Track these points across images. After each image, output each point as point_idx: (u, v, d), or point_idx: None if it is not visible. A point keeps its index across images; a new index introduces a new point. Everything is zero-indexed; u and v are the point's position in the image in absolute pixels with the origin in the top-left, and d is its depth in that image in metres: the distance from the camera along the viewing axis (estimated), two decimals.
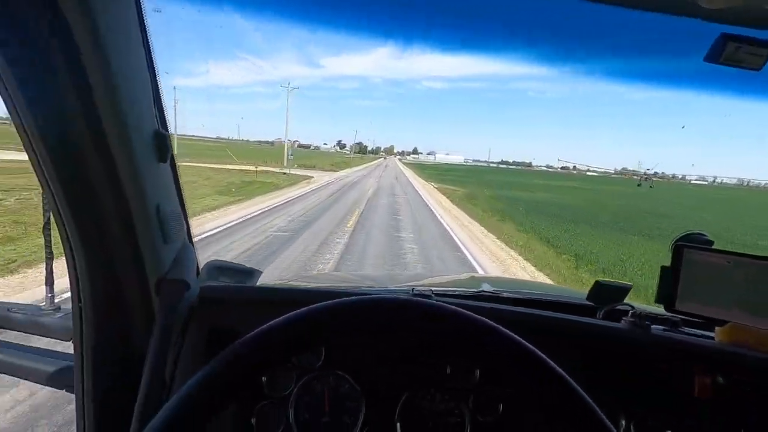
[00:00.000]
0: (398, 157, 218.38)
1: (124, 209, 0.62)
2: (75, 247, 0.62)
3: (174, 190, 0.73)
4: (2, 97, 0.50)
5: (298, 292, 0.90)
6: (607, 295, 0.94)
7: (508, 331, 0.47)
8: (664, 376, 0.78)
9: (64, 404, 2.55)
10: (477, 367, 0.79)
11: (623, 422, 0.77)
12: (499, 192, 28.92)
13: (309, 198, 16.04)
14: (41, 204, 0.70)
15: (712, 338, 0.83)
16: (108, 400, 0.68)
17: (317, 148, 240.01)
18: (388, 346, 0.79)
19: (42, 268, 0.92)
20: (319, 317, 0.47)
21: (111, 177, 0.59)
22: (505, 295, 1.07)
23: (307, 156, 79.73)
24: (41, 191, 0.61)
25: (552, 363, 0.45)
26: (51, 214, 0.65)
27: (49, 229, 0.74)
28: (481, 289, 1.19)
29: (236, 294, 0.82)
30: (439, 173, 57.08)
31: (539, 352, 0.46)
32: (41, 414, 2.53)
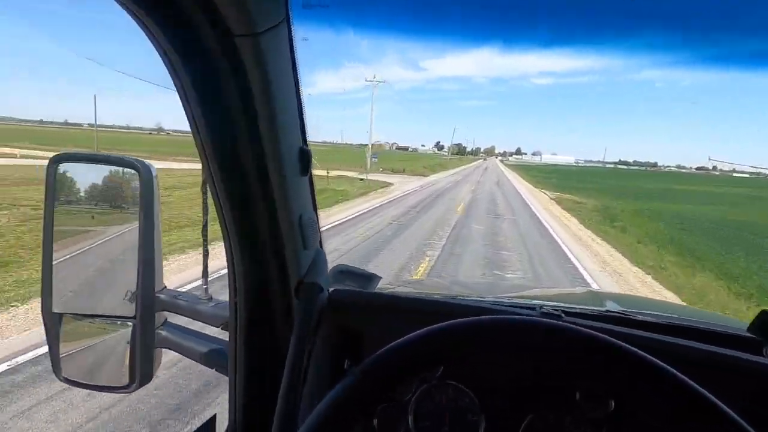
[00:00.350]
0: (499, 158, 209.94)
1: (273, 217, 0.70)
2: (234, 248, 0.71)
3: (311, 200, 0.78)
4: (188, 121, 0.60)
5: (419, 302, 0.89)
6: None
7: (670, 368, 0.47)
8: None
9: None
10: (612, 397, 0.71)
11: None
12: (640, 204, 21.67)
13: (368, 221, 11.22)
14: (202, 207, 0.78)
15: None
16: (254, 382, 0.77)
17: (415, 150, 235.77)
18: (515, 364, 0.76)
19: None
20: (464, 332, 0.52)
21: (264, 189, 0.68)
22: (640, 318, 0.94)
23: (403, 158, 78.65)
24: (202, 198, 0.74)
25: (717, 401, 0.44)
26: (207, 218, 0.78)
27: (206, 231, 0.82)
28: (607, 308, 1.09)
29: (361, 298, 0.85)
30: (546, 176, 52.73)
31: (697, 386, 0.46)
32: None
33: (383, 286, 1.06)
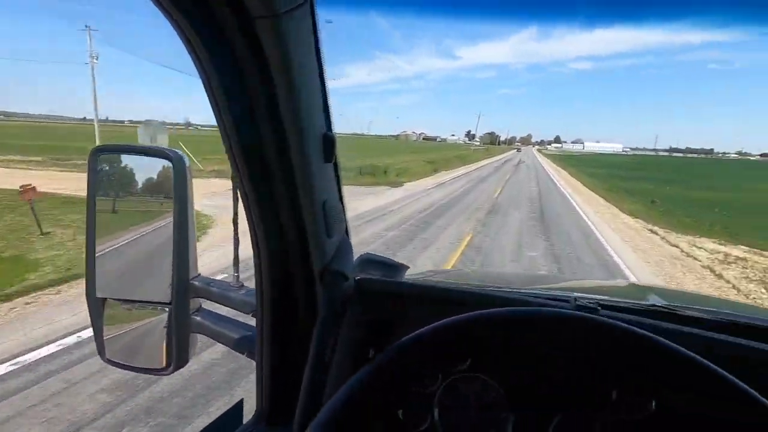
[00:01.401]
0: (536, 147, 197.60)
1: (295, 205, 0.70)
2: (259, 237, 0.71)
3: (336, 188, 0.77)
4: (212, 108, 0.60)
5: (448, 291, 0.87)
6: None
7: (719, 368, 0.45)
8: None
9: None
10: (653, 398, 0.67)
11: None
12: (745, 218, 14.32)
13: None
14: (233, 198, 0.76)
15: None
16: (280, 368, 0.78)
17: (444, 140, 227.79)
18: (547, 359, 0.71)
19: None
20: (493, 323, 0.50)
21: (288, 176, 0.67)
22: (688, 313, 0.87)
23: (421, 149, 69.97)
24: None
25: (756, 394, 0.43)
26: (237, 206, 0.74)
27: (237, 219, 0.81)
28: (651, 302, 0.99)
29: (389, 287, 0.84)
30: (597, 168, 41.64)
31: (747, 387, 0.44)
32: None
33: (411, 275, 1.03)
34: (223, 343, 0.83)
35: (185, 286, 0.76)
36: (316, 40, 0.62)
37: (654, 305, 0.94)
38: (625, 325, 0.49)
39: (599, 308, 0.78)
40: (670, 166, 62.20)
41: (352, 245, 0.85)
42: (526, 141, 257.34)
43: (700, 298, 2.24)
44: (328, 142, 0.70)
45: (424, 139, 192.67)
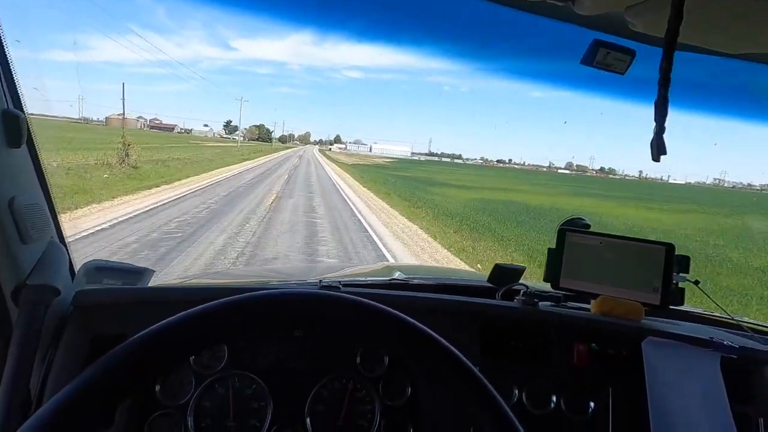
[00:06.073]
0: (317, 146, 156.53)
1: None
2: None
3: (35, 180, 0.66)
4: None
5: (195, 291, 0.86)
6: (505, 276, 1.02)
7: (401, 314, 0.50)
8: (550, 347, 0.87)
9: None
10: (386, 354, 0.79)
11: (516, 391, 0.84)
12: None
13: None
14: None
15: (589, 310, 0.93)
16: None
17: (188, 131, 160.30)
18: (294, 341, 0.78)
19: None
20: (210, 316, 0.46)
21: None
22: (415, 282, 1.12)
23: (103, 142, 35.29)
24: None
25: (444, 341, 0.49)
26: None
27: None
28: (392, 277, 1.19)
29: (122, 297, 0.76)
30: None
31: (431, 332, 0.49)
32: None
33: (184, 279, 0.98)
34: None
35: None
36: None
37: (393, 279, 1.13)
38: (350, 296, 0.51)
39: (341, 286, 0.86)
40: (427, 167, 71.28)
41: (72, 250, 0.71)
42: (304, 139, 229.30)
43: (431, 270, 2.79)
44: (12, 121, 0.57)
45: (153, 128, 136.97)
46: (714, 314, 1.11)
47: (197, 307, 0.46)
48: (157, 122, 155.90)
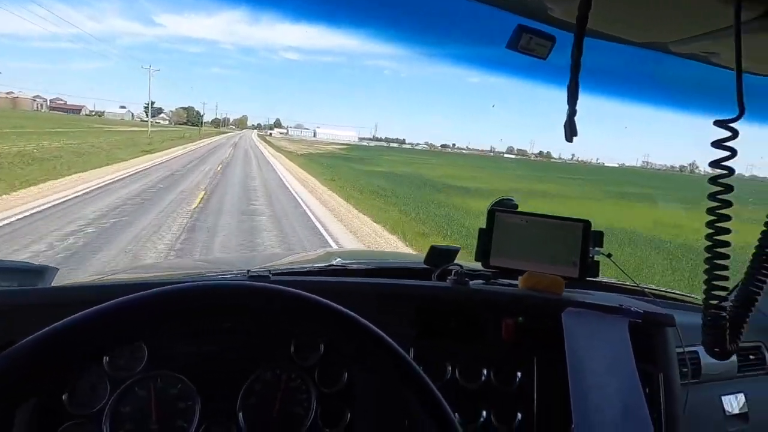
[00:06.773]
0: (256, 131, 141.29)
1: None
2: None
3: None
4: None
5: (104, 289, 0.82)
6: (440, 257, 1.05)
7: (324, 300, 0.49)
8: (480, 324, 0.91)
9: None
10: (320, 342, 0.79)
11: (449, 369, 0.86)
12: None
13: None
14: None
15: (518, 287, 0.98)
16: None
17: (100, 113, 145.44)
18: (221, 334, 0.75)
19: None
20: (110, 316, 0.43)
21: None
22: (353, 267, 1.15)
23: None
24: None
25: (367, 323, 0.49)
26: None
27: None
28: (329, 263, 1.19)
29: (14, 299, 0.71)
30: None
31: (354, 315, 0.49)
32: None
33: (100, 276, 0.91)
34: None
35: None
36: None
37: (330, 265, 1.12)
38: (275, 286, 0.50)
39: (270, 275, 0.84)
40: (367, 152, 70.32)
41: None
42: (241, 123, 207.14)
43: (370, 254, 2.83)
44: None
45: (53, 109, 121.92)
46: (625, 283, 1.21)
47: (92, 308, 0.43)
48: (61, 102, 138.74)
